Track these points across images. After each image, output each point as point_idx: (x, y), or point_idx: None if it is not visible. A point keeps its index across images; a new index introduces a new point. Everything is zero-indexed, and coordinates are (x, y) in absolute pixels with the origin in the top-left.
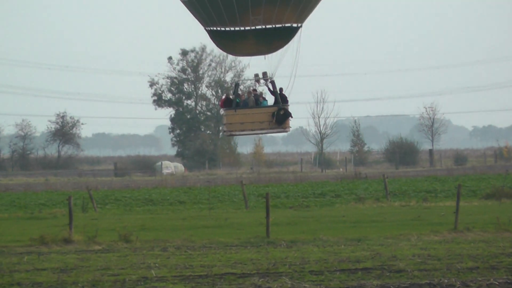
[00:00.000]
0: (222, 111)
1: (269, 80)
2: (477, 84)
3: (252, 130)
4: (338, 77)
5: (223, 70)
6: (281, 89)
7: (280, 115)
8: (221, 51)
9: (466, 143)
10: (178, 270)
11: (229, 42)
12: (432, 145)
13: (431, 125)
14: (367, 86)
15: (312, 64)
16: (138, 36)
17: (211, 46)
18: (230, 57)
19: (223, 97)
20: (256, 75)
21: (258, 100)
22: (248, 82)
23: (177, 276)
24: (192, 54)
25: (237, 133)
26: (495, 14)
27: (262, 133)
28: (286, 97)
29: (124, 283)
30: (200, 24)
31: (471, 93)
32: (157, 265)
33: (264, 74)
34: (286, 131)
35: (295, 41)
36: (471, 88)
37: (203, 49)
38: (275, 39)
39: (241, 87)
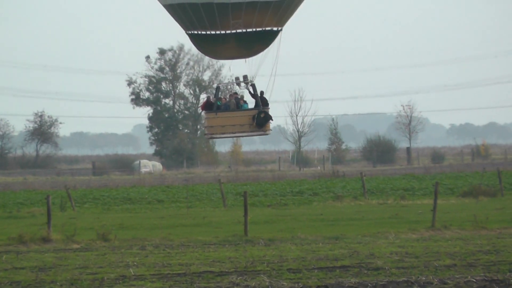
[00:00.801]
0: (203, 114)
1: (250, 84)
2: (455, 83)
3: (233, 133)
4: (316, 75)
5: (201, 69)
6: (261, 92)
7: (260, 118)
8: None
9: (444, 141)
10: (156, 268)
11: (210, 46)
12: (410, 143)
13: (408, 123)
14: (344, 85)
15: (289, 62)
16: (116, 35)
17: (188, 45)
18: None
19: (204, 100)
20: (237, 79)
21: (239, 103)
22: (229, 85)
23: (156, 275)
24: (170, 53)
25: (218, 136)
26: (471, 13)
27: (243, 136)
28: (266, 100)
29: (102, 281)
30: (180, 27)
31: (448, 91)
32: (135, 263)
33: (245, 77)
34: (267, 134)
35: (275, 44)
36: (448, 86)
37: (181, 48)
38: (256, 42)
39: (222, 90)
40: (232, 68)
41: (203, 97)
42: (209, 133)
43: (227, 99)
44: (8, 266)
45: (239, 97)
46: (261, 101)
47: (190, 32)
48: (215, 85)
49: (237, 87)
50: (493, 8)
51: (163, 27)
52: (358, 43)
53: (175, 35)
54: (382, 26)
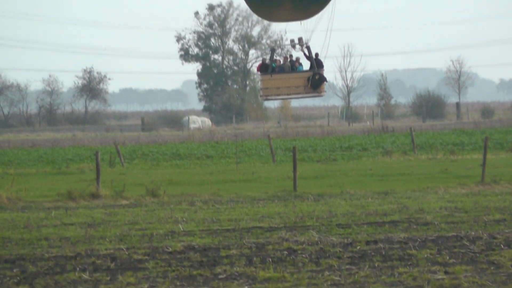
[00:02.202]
0: (258, 75)
1: (305, 46)
2: (504, 37)
3: (288, 94)
4: (365, 30)
5: (249, 24)
6: (316, 54)
7: (315, 80)
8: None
9: (493, 96)
10: (205, 224)
11: (265, 8)
12: (459, 98)
13: (458, 78)
14: (394, 40)
15: (338, 17)
16: None
17: (237, 1)
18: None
19: (260, 62)
20: (292, 41)
21: (293, 65)
22: (285, 47)
23: (205, 230)
24: (219, 9)
25: (273, 97)
26: None
27: (297, 98)
28: (321, 62)
29: (151, 237)
30: None
31: (498, 46)
32: (184, 219)
33: (300, 39)
34: (321, 95)
35: (330, 6)
36: (498, 41)
37: (230, 3)
38: (311, 3)
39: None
40: (287, 30)
41: (252, 52)
42: (264, 95)
43: (282, 61)
44: (58, 222)
45: (294, 59)
46: (316, 63)
47: None
48: (271, 47)
49: (292, 49)
50: None
51: None
52: None
53: None
54: None
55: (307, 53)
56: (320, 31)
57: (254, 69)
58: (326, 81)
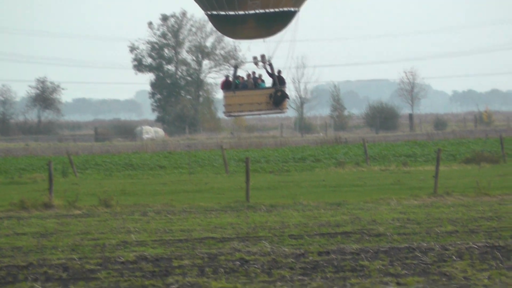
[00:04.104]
0: (222, 93)
1: (267, 63)
2: (457, 50)
3: (250, 111)
4: (319, 42)
5: (203, 35)
6: (279, 71)
7: (277, 97)
8: (210, 22)
9: (446, 107)
10: (158, 234)
11: (229, 26)
12: (412, 110)
13: (411, 90)
14: (347, 51)
15: (292, 29)
16: (118, 1)
17: (191, 11)
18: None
19: (223, 79)
20: (255, 58)
21: (256, 82)
22: (246, 65)
23: (157, 240)
24: (173, 19)
25: (236, 114)
26: None
27: (260, 114)
28: (283, 79)
29: (104, 247)
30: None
31: (451, 58)
32: (137, 229)
33: (263, 57)
34: (283, 112)
35: (292, 24)
36: (451, 53)
37: (184, 14)
38: (275, 23)
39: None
40: (251, 48)
41: (205, 63)
42: (228, 111)
43: (245, 78)
44: (10, 231)
45: (257, 76)
46: (278, 80)
47: (209, 13)
48: (233, 64)
49: (255, 66)
50: None
51: None
52: (361, 9)
53: (178, 1)
54: None
55: (269, 70)
56: (276, 42)
57: (208, 79)
58: (288, 98)
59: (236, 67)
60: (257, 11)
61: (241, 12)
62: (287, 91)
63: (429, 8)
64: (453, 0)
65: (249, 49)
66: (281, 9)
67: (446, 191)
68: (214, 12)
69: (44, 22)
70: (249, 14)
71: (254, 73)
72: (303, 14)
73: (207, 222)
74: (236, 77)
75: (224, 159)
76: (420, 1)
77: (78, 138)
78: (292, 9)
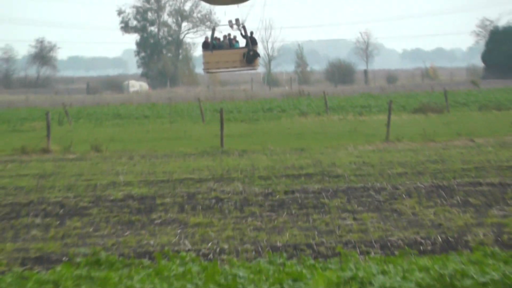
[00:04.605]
0: (201, 52)
1: (241, 25)
2: (406, 13)
3: (226, 68)
4: (285, 6)
5: (182, 0)
6: (251, 33)
7: (249, 56)
8: None
9: (397, 64)
10: (143, 175)
11: None
12: (367, 66)
13: (365, 49)
14: (309, 14)
15: None
16: None
17: None
18: None
19: (204, 40)
20: (230, 21)
21: (231, 42)
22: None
23: (142, 181)
24: None
25: (214, 70)
26: None
27: (235, 71)
28: (255, 40)
29: (95, 187)
30: None
31: (401, 20)
32: (124, 171)
33: (237, 20)
34: (255, 69)
35: None
36: (401, 16)
37: None
38: None
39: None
40: (226, 12)
41: (184, 25)
42: (206, 68)
43: (222, 39)
44: (13, 173)
45: (232, 37)
46: (251, 41)
47: None
48: (212, 27)
49: (230, 28)
50: None
51: None
52: None
53: None
54: None
55: (243, 32)
56: (248, 7)
57: (186, 39)
58: (259, 56)
59: (213, 29)
60: None
61: None
62: (258, 51)
63: None
64: None
65: (225, 13)
66: None
67: (397, 138)
68: None
69: None
70: None
71: (229, 34)
72: None
73: (186, 165)
74: (213, 38)
75: (201, 110)
76: None
77: (72, 91)
78: None
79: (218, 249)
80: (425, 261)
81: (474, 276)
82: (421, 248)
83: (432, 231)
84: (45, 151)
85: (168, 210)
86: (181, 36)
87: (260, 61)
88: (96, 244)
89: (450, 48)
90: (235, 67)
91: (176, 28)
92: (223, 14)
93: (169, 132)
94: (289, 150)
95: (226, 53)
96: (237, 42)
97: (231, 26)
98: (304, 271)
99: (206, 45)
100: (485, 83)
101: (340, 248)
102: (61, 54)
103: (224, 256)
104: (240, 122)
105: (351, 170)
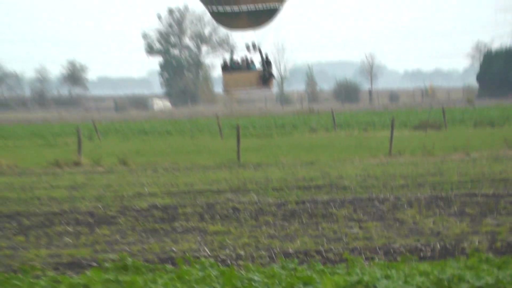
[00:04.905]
0: (221, 73)
1: (257, 48)
2: (408, 36)
3: (244, 88)
4: (296, 30)
5: (202, 25)
6: (266, 55)
7: (265, 77)
8: (216, 23)
9: (399, 84)
10: (166, 187)
11: (226, 20)
12: (371, 86)
13: (370, 70)
14: (320, 36)
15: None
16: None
17: (192, 6)
18: (208, 15)
19: (222, 62)
20: (247, 45)
21: (248, 65)
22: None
23: (165, 192)
24: (177, 12)
25: (233, 91)
26: None
27: (252, 90)
28: (270, 62)
29: (122, 197)
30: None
31: (403, 42)
32: (149, 183)
33: (253, 44)
34: (271, 89)
35: (277, 18)
36: (403, 38)
37: (186, 8)
38: (262, 17)
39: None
40: (243, 36)
41: (204, 48)
42: (226, 88)
43: (239, 62)
44: (47, 185)
45: (249, 59)
46: (266, 63)
47: (210, 10)
48: (229, 51)
49: (247, 51)
50: None
51: None
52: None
53: None
54: None
55: (259, 54)
56: (263, 32)
57: (206, 61)
58: (275, 77)
59: (232, 52)
60: (248, 8)
61: (235, 8)
62: (272, 71)
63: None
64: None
65: (242, 37)
66: (267, 6)
67: (399, 152)
68: (214, 7)
69: (72, 10)
70: (242, 11)
71: (246, 57)
72: (286, 9)
73: (205, 177)
74: (232, 60)
75: (219, 126)
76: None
77: (101, 109)
78: (277, 5)
79: (235, 255)
80: (425, 266)
81: (470, 280)
82: (421, 254)
83: (431, 238)
84: (76, 164)
85: (189, 219)
86: (201, 58)
87: (274, 81)
88: (123, 250)
89: (448, 69)
90: (252, 87)
91: (196, 51)
92: (240, 37)
93: (190, 147)
94: (300, 163)
95: (244, 75)
96: (253, 64)
97: (248, 49)
98: (314, 275)
99: (225, 67)
100: (480, 102)
101: (347, 254)
102: (91, 74)
103: (241, 262)
104: (255, 137)
105: (357, 182)
